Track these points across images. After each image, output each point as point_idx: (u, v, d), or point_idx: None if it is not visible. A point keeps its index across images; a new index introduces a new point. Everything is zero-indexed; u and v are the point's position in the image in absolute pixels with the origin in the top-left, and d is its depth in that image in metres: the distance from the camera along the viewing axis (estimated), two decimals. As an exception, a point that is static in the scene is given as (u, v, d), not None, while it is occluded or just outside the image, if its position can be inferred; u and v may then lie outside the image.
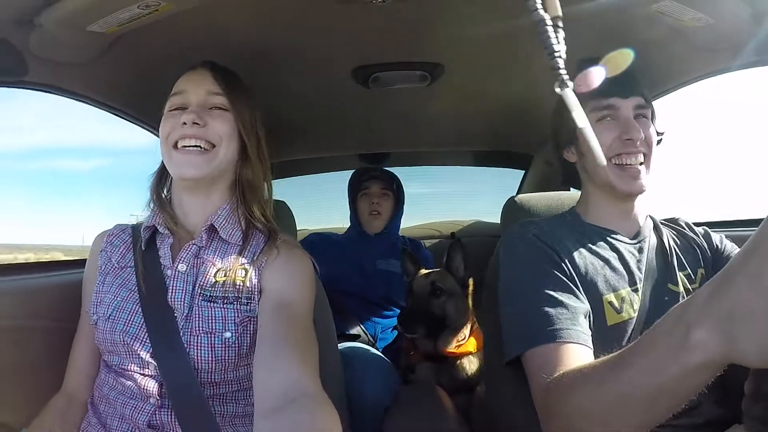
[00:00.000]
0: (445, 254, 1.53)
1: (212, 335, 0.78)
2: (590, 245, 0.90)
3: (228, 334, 0.79)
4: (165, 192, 0.92)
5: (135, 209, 0.96)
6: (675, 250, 0.94)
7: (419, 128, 1.84)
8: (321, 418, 0.60)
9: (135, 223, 0.94)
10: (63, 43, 0.89)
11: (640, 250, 0.92)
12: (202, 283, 0.82)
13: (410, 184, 2.06)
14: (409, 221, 1.96)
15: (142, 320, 0.79)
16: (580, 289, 0.83)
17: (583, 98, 0.87)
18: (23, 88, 0.97)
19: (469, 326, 1.47)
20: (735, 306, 0.42)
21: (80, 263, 0.96)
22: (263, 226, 0.90)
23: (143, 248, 0.86)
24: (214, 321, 0.79)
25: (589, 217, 0.96)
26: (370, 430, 1.24)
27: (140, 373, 0.78)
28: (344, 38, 1.08)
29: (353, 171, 1.95)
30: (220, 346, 0.78)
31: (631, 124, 0.87)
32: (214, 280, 0.82)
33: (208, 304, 0.80)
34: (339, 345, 1.23)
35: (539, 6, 0.44)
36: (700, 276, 0.93)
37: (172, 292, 0.80)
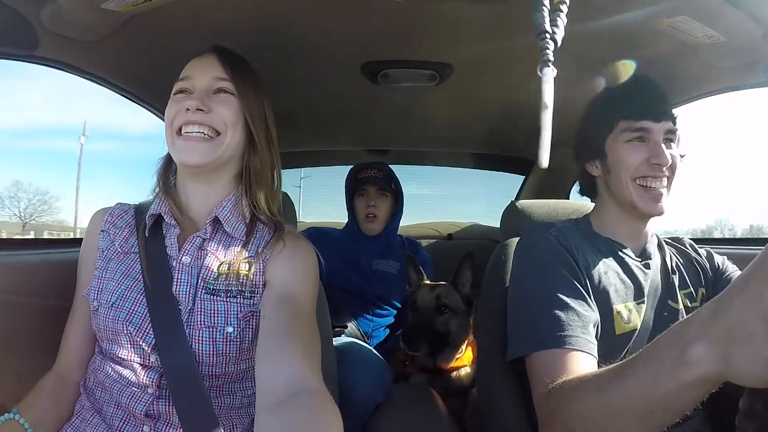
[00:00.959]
0: (454, 272, 1.50)
1: (214, 329, 0.77)
2: (602, 256, 0.92)
3: (230, 329, 0.78)
4: (172, 179, 0.90)
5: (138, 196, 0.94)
6: (677, 269, 0.97)
7: (423, 127, 1.83)
8: (323, 413, 0.59)
9: (138, 203, 0.92)
10: (75, 18, 0.88)
11: (647, 267, 0.94)
12: (205, 276, 0.80)
13: (409, 184, 2.06)
14: (407, 220, 1.94)
15: (146, 310, 0.78)
16: (592, 297, 0.84)
17: (615, 116, 0.90)
18: (32, 62, 0.96)
19: (467, 341, 1.47)
20: (733, 326, 0.43)
21: (77, 242, 0.94)
22: (267, 219, 0.89)
23: (147, 235, 0.84)
24: (216, 315, 0.78)
25: (602, 229, 0.97)
26: (360, 427, 1.24)
27: (140, 363, 0.77)
28: (356, 32, 1.07)
29: (351, 167, 1.90)
30: (221, 340, 0.77)
31: (660, 149, 0.88)
32: (217, 273, 0.81)
33: (211, 297, 0.79)
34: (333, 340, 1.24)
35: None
36: (701, 295, 0.96)
37: (177, 284, 0.79)
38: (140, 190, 0.95)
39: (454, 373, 1.44)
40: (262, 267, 0.83)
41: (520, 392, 0.96)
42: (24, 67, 1.00)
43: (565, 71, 1.14)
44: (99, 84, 1.13)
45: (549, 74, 0.45)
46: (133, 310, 0.78)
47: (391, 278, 1.75)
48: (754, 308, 0.42)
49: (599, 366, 0.75)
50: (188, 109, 0.80)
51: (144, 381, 0.76)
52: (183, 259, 0.81)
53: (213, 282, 0.80)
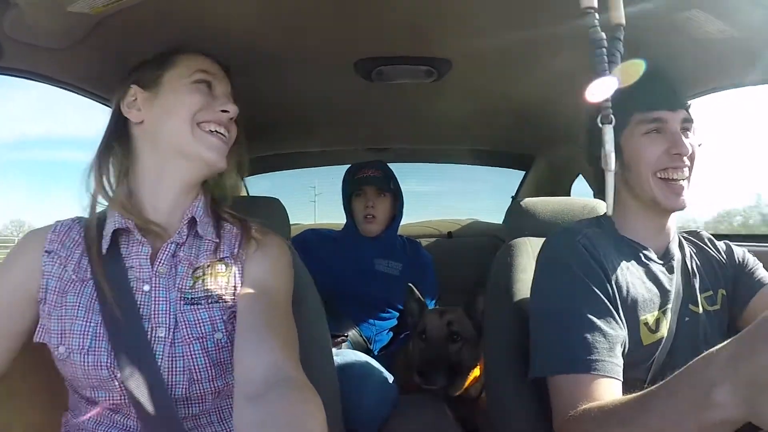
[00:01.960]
0: (468, 299, 1.43)
1: (204, 339, 0.74)
2: (628, 262, 0.87)
3: (219, 335, 0.75)
4: (109, 185, 0.81)
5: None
6: (697, 270, 0.93)
7: (421, 124, 1.77)
8: (304, 403, 0.59)
9: (78, 218, 0.82)
10: (41, 24, 0.81)
11: (670, 270, 0.90)
12: (180, 286, 0.75)
13: (408, 182, 1.99)
14: (406, 219, 1.88)
15: (122, 347, 0.71)
16: (620, 311, 0.81)
17: (629, 110, 0.83)
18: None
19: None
20: (758, 375, 0.44)
21: None
22: (232, 217, 0.86)
23: (103, 253, 0.75)
24: (202, 324, 0.74)
25: (624, 229, 0.92)
26: None
27: (120, 402, 0.71)
28: (347, 28, 1.01)
29: (348, 166, 1.85)
30: (213, 349, 0.74)
31: (679, 137, 0.84)
32: (192, 281, 0.76)
33: (192, 307, 0.75)
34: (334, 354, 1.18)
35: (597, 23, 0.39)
36: (721, 296, 0.93)
37: (155, 303, 0.73)
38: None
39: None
40: (240, 269, 0.80)
41: (530, 396, 0.92)
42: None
43: (572, 66, 1.10)
44: (72, 92, 1.06)
45: (608, 131, 0.50)
46: (110, 350, 0.71)
47: (393, 279, 1.69)
48: None
49: (625, 381, 0.74)
50: (226, 111, 0.82)
51: (131, 423, 0.71)
52: (159, 270, 0.75)
53: (190, 291, 0.75)
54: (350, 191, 1.77)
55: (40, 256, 0.75)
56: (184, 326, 0.73)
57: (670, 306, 0.86)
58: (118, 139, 0.81)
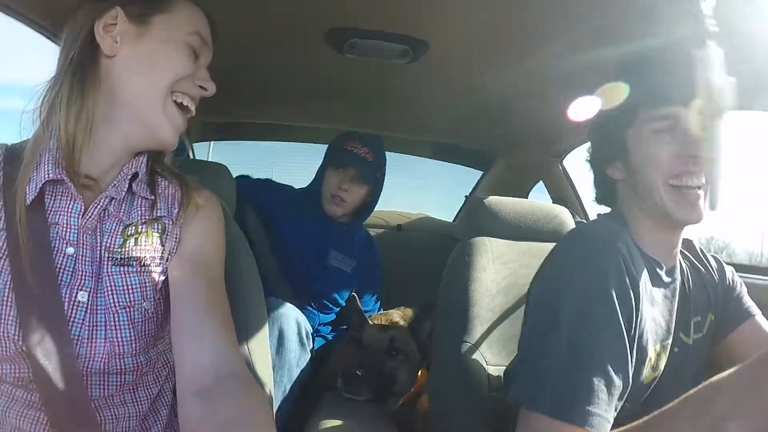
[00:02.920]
0: (414, 317, 1.39)
1: (131, 308, 0.65)
2: (650, 285, 0.75)
3: (147, 305, 0.66)
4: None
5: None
6: (692, 292, 0.84)
7: (387, 109, 1.69)
8: (252, 400, 0.58)
9: (7, 145, 0.69)
10: None
11: (673, 294, 0.80)
12: (108, 245, 0.66)
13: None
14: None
15: (17, 313, 0.59)
16: (635, 352, 0.70)
17: (634, 106, 0.73)
18: None
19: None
20: None
21: None
22: (170, 173, 0.77)
23: (27, 203, 0.62)
24: (131, 291, 0.65)
25: (638, 241, 0.79)
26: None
27: (25, 376, 0.61)
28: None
29: (340, 134, 1.62)
30: (140, 319, 0.66)
31: (695, 137, 0.71)
32: (122, 239, 0.67)
33: (121, 269, 0.65)
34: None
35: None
36: (709, 323, 0.84)
37: (78, 261, 0.63)
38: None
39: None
40: (178, 234, 0.71)
41: (476, 399, 0.91)
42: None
43: (546, 67, 1.07)
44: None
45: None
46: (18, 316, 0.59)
47: (343, 277, 1.59)
48: None
49: (620, 413, 0.66)
50: (205, 89, 0.73)
51: (35, 399, 0.61)
52: (86, 225, 0.64)
53: (119, 250, 0.65)
54: (329, 160, 1.57)
55: None
56: (109, 291, 0.64)
57: (671, 338, 0.77)
58: (76, 69, 0.65)
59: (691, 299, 0.82)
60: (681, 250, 0.86)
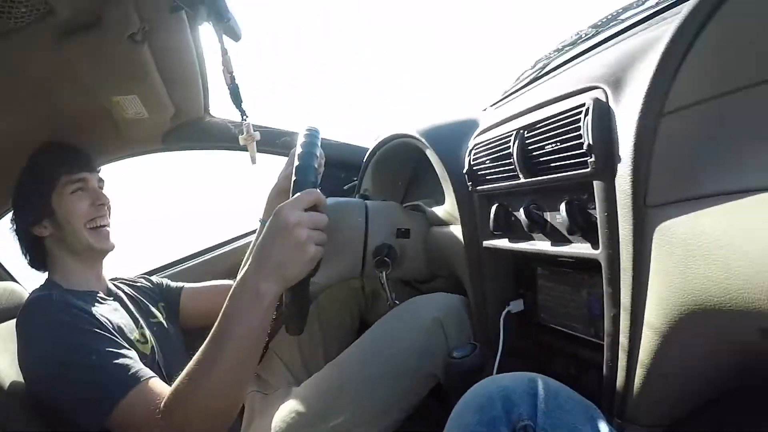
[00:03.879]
0: None
1: None
2: (100, 306, 0.94)
3: None
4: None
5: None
6: (136, 296, 1.09)
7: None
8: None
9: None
10: None
11: (121, 303, 1.02)
12: None
13: None
14: None
15: None
16: (125, 343, 0.89)
17: (57, 173, 0.97)
18: None
19: None
20: (275, 260, 0.63)
21: None
22: None
23: None
24: None
25: (74, 285, 0.95)
26: None
27: None
28: None
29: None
30: None
31: (100, 192, 1.03)
32: None
33: None
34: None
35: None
36: (162, 306, 1.13)
37: None
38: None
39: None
40: None
41: None
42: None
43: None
44: None
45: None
46: None
47: None
48: (281, 249, 0.62)
49: None
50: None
51: None
52: None
53: None
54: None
55: None
56: None
57: (142, 325, 1.01)
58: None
59: (138, 300, 1.06)
60: (121, 279, 1.11)
